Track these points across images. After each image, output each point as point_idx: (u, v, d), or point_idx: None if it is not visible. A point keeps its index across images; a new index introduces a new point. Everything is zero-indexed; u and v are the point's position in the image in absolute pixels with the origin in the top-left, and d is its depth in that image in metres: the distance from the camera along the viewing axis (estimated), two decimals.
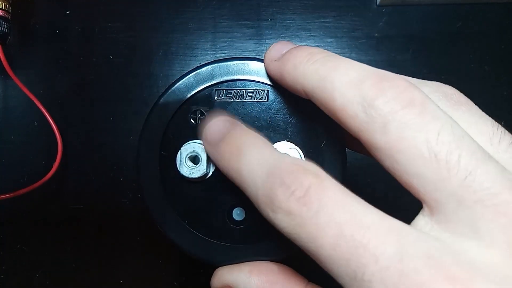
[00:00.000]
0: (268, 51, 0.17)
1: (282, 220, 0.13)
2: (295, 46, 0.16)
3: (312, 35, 0.31)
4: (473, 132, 0.13)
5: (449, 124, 0.12)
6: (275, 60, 0.17)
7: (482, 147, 0.12)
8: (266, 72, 0.18)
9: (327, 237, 0.12)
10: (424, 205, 0.13)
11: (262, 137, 0.16)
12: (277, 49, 0.17)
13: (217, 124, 0.17)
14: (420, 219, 0.13)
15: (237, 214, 0.18)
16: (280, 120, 0.18)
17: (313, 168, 0.13)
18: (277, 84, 0.18)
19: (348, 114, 0.13)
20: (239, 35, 0.31)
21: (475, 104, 0.15)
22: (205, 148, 0.17)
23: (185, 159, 0.18)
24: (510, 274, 0.11)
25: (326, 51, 0.15)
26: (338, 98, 0.14)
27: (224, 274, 0.17)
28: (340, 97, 0.14)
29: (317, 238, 0.12)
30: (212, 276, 0.18)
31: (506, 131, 0.14)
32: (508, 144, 0.13)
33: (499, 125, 0.14)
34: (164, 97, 0.19)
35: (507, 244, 0.11)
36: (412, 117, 0.12)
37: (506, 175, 0.12)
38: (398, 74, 0.14)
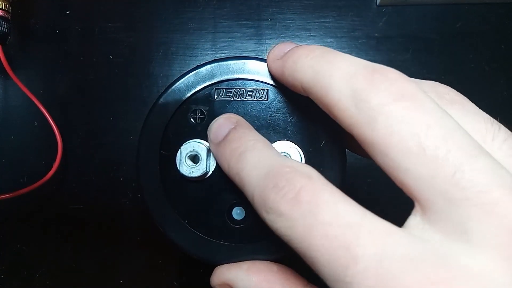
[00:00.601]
0: (272, 51, 0.17)
1: (275, 221, 0.13)
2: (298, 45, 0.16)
3: (312, 35, 0.31)
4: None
5: (440, 118, 0.12)
6: (278, 59, 0.17)
7: (475, 141, 0.12)
8: (269, 71, 0.18)
9: (314, 238, 0.12)
10: (416, 204, 0.12)
11: (263, 138, 0.16)
12: (281, 49, 0.17)
13: (220, 123, 0.17)
14: (412, 219, 0.12)
15: (237, 213, 0.18)
16: (280, 119, 0.18)
17: (307, 170, 0.13)
18: (278, 84, 0.18)
19: (341, 108, 0.13)
20: (239, 35, 0.31)
21: (475, 104, 0.15)
22: (209, 146, 0.17)
23: (185, 158, 0.18)
24: (497, 278, 0.10)
25: (326, 47, 0.15)
26: (331, 92, 0.13)
27: (223, 272, 0.17)
28: (334, 90, 0.13)
29: (306, 239, 0.12)
30: (212, 274, 0.18)
31: (502, 127, 0.13)
32: (502, 141, 0.13)
33: (494, 121, 0.14)
34: (163, 96, 0.19)
35: (496, 248, 0.11)
36: (401, 110, 0.12)
37: (498, 172, 0.11)
38: (392, 68, 0.13)
